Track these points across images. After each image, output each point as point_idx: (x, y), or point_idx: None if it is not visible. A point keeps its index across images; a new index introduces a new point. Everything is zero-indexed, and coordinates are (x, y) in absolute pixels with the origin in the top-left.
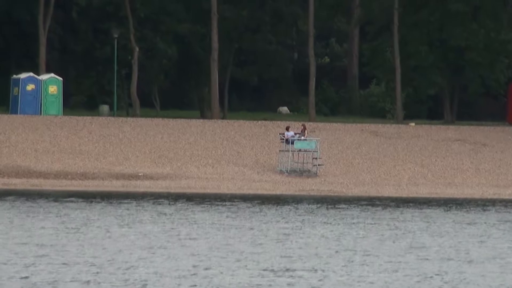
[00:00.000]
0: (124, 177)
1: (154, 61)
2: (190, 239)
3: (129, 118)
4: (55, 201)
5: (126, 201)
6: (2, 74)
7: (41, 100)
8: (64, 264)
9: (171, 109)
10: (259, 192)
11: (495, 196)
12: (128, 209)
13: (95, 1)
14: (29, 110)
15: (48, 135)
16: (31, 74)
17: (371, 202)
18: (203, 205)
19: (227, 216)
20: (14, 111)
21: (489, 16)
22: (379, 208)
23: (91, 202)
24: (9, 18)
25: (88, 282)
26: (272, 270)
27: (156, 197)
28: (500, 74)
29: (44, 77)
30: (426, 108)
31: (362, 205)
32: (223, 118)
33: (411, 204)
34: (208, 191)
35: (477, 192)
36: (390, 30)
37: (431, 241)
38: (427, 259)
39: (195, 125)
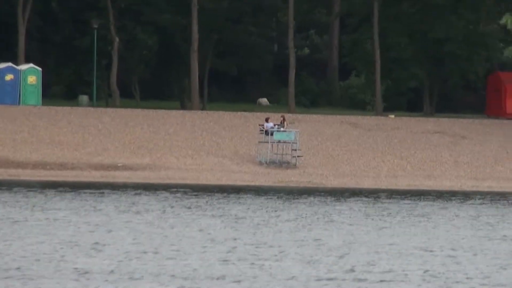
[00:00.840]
0: (103, 168)
1: (134, 52)
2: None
3: (108, 109)
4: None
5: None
6: None
7: (20, 90)
8: None
9: (151, 100)
10: (238, 183)
11: (474, 189)
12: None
13: None
14: (7, 100)
15: (27, 125)
16: (10, 64)
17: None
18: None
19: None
20: None
21: (468, 8)
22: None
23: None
24: None
25: None
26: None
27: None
28: (479, 66)
29: (23, 67)
30: (405, 100)
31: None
32: (203, 109)
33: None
34: (188, 181)
35: (455, 185)
36: (370, 22)
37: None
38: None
39: (175, 116)
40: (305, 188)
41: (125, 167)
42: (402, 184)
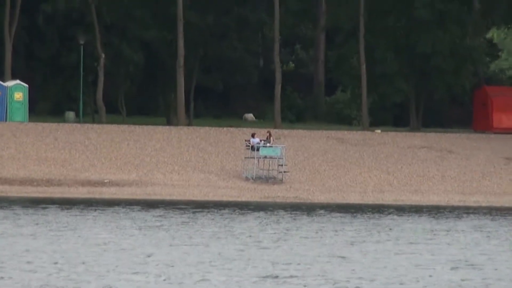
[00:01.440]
0: (90, 184)
1: (120, 68)
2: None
3: (95, 125)
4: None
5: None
6: None
7: (6, 106)
8: None
9: (137, 116)
10: (224, 198)
11: (461, 203)
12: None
13: (61, 7)
14: None
15: (13, 141)
16: None
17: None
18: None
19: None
20: None
21: (454, 22)
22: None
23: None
24: None
25: None
26: None
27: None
28: (465, 80)
29: (10, 83)
30: (392, 115)
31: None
32: (189, 124)
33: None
34: (174, 197)
35: (443, 199)
36: (356, 36)
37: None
38: None
39: (161, 131)
40: (292, 204)
41: (111, 183)
42: (389, 199)
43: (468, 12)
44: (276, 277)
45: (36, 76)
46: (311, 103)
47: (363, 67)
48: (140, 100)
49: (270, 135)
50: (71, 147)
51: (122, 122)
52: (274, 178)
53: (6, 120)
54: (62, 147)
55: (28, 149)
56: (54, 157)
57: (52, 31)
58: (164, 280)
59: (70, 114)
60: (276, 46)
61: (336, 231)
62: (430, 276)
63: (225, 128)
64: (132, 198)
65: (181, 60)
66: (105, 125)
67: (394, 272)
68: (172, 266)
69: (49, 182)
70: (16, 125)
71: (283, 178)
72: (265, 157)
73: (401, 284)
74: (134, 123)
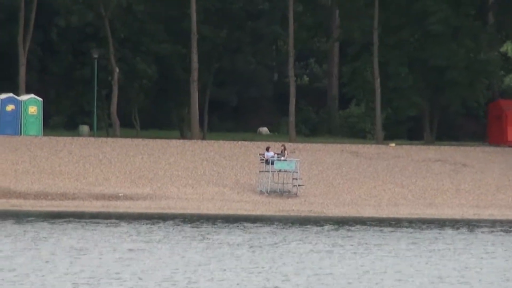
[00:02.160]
0: (104, 198)
1: (134, 82)
2: None
3: (109, 139)
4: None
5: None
6: None
7: (21, 120)
8: None
9: (151, 130)
10: (239, 212)
11: (475, 217)
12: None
13: (75, 22)
14: (9, 130)
15: (28, 155)
16: (11, 94)
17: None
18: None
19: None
20: None
21: (468, 36)
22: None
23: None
24: None
25: None
26: None
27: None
28: (480, 94)
29: (24, 97)
30: (406, 128)
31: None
32: (203, 138)
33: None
34: (188, 211)
35: (457, 213)
36: (369, 50)
37: None
38: None
39: (175, 145)
40: (307, 218)
41: (125, 197)
42: (404, 212)
43: (482, 26)
44: None
45: (50, 90)
46: (325, 117)
47: (377, 81)
48: (154, 114)
49: (284, 148)
50: (85, 161)
51: (136, 136)
52: (289, 191)
53: (20, 134)
54: (76, 161)
55: (42, 163)
56: (68, 171)
57: (66, 45)
58: None
59: (84, 128)
60: (291, 60)
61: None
62: None
63: (239, 142)
64: (147, 212)
65: (195, 74)
66: (119, 139)
67: None
68: None
69: (64, 196)
70: (30, 139)
71: (298, 192)
72: (280, 170)
73: None
74: (148, 137)
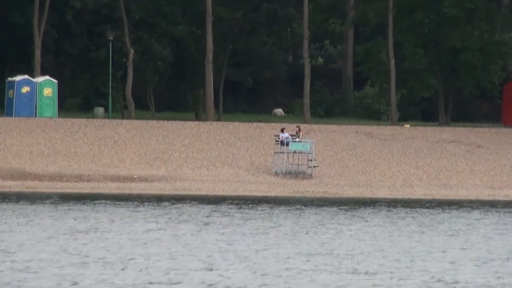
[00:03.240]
0: (119, 179)
1: (149, 63)
2: None
3: (124, 120)
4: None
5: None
6: None
7: (36, 102)
8: None
9: (166, 111)
10: (254, 194)
11: (490, 198)
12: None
13: (90, 3)
14: (24, 112)
15: (43, 137)
16: (26, 76)
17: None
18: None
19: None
20: (9, 114)
21: (483, 18)
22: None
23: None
24: (4, 21)
25: None
26: None
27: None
28: (494, 75)
29: (39, 79)
30: (420, 109)
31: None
32: (218, 120)
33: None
34: (203, 193)
35: (472, 194)
36: (384, 32)
37: None
38: None
39: (190, 127)
40: (322, 198)
41: (140, 179)
42: (418, 193)
43: (496, 7)
44: None
45: (65, 72)
46: (340, 98)
47: (392, 62)
48: (169, 96)
49: (299, 130)
50: (100, 143)
51: (151, 118)
52: (304, 173)
53: (35, 116)
54: (91, 142)
55: (58, 144)
56: (83, 153)
57: (81, 27)
58: None
59: (99, 110)
60: (305, 42)
61: None
62: None
63: (254, 123)
64: (162, 193)
65: (210, 56)
66: (134, 121)
67: None
68: None
69: (79, 178)
70: (46, 120)
71: (312, 173)
72: (295, 152)
73: None
74: (163, 119)
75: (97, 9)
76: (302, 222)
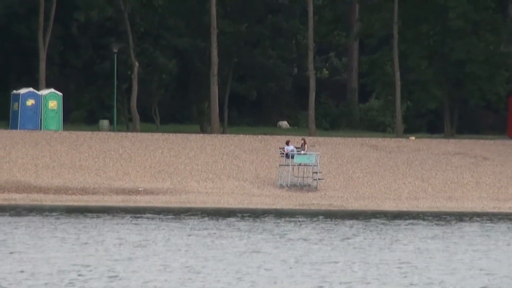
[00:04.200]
0: (124, 192)
1: (154, 76)
2: None
3: (129, 133)
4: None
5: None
6: (2, 90)
7: (41, 115)
8: None
9: (171, 124)
10: (259, 206)
11: (496, 210)
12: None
13: (95, 16)
14: (29, 125)
15: (48, 150)
16: (31, 89)
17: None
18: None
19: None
20: (14, 126)
21: (488, 30)
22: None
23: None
24: (9, 34)
25: None
26: None
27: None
28: (500, 87)
29: (44, 92)
30: (426, 121)
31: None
32: (223, 132)
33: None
34: (208, 205)
35: (477, 206)
36: (389, 43)
37: None
38: None
39: (195, 139)
40: (327, 211)
41: (146, 191)
42: (424, 206)
43: (502, 19)
44: None
45: (70, 84)
46: (345, 111)
47: (397, 74)
48: (174, 108)
49: (304, 142)
50: (105, 156)
51: (156, 130)
52: (309, 185)
53: (40, 129)
54: (96, 155)
55: (63, 157)
56: (89, 166)
57: (85, 39)
58: None
59: (104, 123)
60: (310, 54)
61: None
62: None
63: (259, 136)
64: (167, 206)
65: (214, 69)
66: (139, 133)
67: None
68: None
69: (84, 191)
70: (51, 133)
71: (318, 186)
72: (300, 164)
73: None
74: (168, 131)
75: (102, 22)
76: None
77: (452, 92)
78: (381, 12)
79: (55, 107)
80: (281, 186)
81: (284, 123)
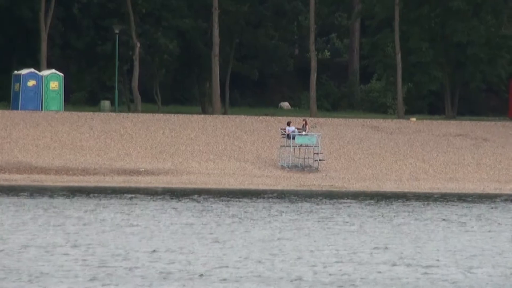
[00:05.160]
0: (125, 173)
1: (155, 57)
2: None
3: (130, 114)
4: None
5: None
6: (4, 71)
7: (42, 96)
8: None
9: (172, 105)
10: (261, 187)
11: (496, 191)
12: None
13: None
14: (30, 106)
15: (49, 131)
16: (32, 70)
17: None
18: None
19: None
20: (15, 107)
21: (489, 12)
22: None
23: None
24: (11, 15)
25: None
26: None
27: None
28: (501, 69)
29: (45, 73)
30: (427, 103)
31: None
32: (224, 113)
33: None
34: (210, 186)
35: (478, 187)
36: (391, 25)
37: None
38: None
39: (196, 120)
40: (328, 192)
41: (147, 172)
42: (425, 187)
43: (503, 1)
44: None
45: (71, 65)
46: (347, 92)
47: (398, 56)
48: (175, 89)
49: (306, 123)
50: (107, 136)
51: (157, 111)
52: (310, 166)
53: (41, 109)
54: (97, 136)
55: (64, 138)
56: (90, 146)
57: (87, 20)
58: None
59: (106, 103)
60: (312, 35)
61: None
62: None
63: (260, 117)
64: (168, 186)
65: (216, 49)
66: (140, 114)
67: None
68: None
69: (85, 171)
70: (52, 114)
71: (319, 167)
72: (301, 145)
73: None
74: (169, 112)
75: (104, 3)
76: None
77: (453, 74)
78: None
79: (56, 88)
80: (282, 167)
81: (285, 104)
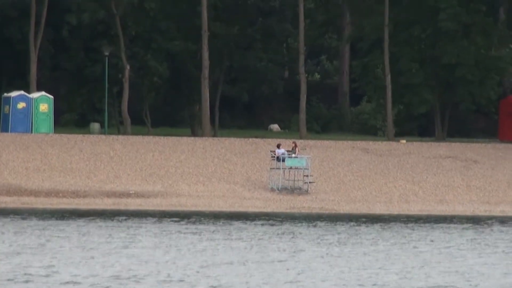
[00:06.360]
0: (115, 195)
1: (145, 79)
2: None
3: (120, 136)
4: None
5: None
6: None
7: (32, 118)
8: None
9: (162, 127)
10: (250, 209)
11: (486, 213)
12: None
13: (86, 19)
14: (20, 128)
15: (39, 153)
16: (22, 92)
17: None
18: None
19: None
20: (5, 129)
21: (479, 33)
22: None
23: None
24: (0, 36)
25: None
26: None
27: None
28: (491, 91)
29: (35, 95)
30: (417, 125)
31: None
32: (214, 135)
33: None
34: (199, 208)
35: (468, 209)
36: (381, 47)
37: None
38: None
39: (186, 142)
40: (318, 214)
41: (137, 195)
42: (414, 209)
43: (493, 23)
44: None
45: (61, 87)
46: (336, 114)
47: (388, 77)
48: (165, 111)
49: (295, 145)
50: (96, 159)
51: (147, 133)
52: (300, 188)
53: (31, 132)
54: (87, 158)
55: (54, 160)
56: (80, 169)
57: (77, 42)
58: None
59: (95, 126)
60: (301, 57)
61: None
62: None
63: (250, 139)
64: (158, 209)
65: (205, 72)
66: (130, 136)
67: None
68: None
69: (75, 194)
70: (42, 136)
71: (309, 189)
72: (291, 167)
73: None
74: (159, 134)
75: (93, 25)
76: None
77: (443, 95)
78: (372, 16)
79: (46, 110)
80: (272, 189)
81: (275, 126)
